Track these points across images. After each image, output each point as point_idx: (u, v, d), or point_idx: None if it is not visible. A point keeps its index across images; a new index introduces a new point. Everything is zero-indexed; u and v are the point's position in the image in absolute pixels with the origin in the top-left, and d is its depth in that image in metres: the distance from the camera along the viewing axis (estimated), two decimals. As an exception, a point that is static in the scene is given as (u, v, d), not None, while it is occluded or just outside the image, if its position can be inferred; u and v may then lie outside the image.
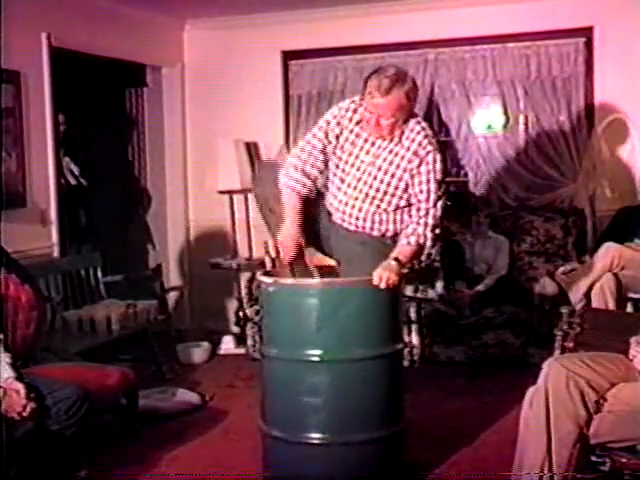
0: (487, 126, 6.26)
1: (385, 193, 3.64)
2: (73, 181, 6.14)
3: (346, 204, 3.71)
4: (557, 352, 3.74)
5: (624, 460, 2.96)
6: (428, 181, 3.58)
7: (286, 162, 3.78)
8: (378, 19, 6.18)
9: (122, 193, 7.05)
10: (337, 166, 3.71)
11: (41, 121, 5.32)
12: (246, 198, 6.66)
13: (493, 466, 3.67)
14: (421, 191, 3.59)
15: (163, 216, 6.92)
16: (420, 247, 3.63)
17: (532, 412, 3.03)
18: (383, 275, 3.44)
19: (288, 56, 6.55)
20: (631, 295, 4.93)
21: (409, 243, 3.61)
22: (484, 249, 5.88)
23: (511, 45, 6.02)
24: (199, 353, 6.03)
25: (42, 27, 5.28)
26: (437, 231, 3.64)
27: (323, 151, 3.70)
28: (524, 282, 5.80)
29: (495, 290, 5.68)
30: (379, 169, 3.63)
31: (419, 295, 5.56)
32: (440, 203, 3.62)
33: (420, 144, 3.58)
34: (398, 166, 3.61)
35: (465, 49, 6.12)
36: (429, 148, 3.58)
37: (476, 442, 4.16)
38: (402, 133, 3.60)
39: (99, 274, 5.58)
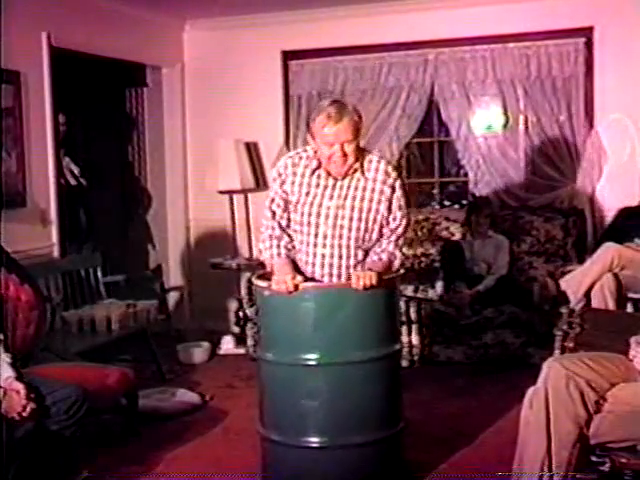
0: (487, 126, 6.26)
1: (366, 230, 3.58)
2: (73, 181, 6.13)
3: (331, 256, 3.58)
4: (557, 352, 3.73)
5: (624, 460, 2.95)
6: (399, 207, 3.61)
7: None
8: (378, 19, 6.19)
9: (122, 193, 7.05)
10: (303, 223, 3.60)
11: (41, 121, 5.32)
12: (246, 198, 6.67)
13: (493, 466, 3.66)
14: (394, 219, 3.61)
15: (163, 216, 6.92)
16: (390, 263, 3.62)
17: (532, 412, 3.03)
18: (360, 275, 3.40)
19: (288, 56, 6.56)
20: (631, 295, 4.92)
21: (380, 259, 3.59)
22: (483, 249, 5.88)
23: (511, 45, 6.03)
24: (199, 353, 6.03)
25: (42, 27, 5.28)
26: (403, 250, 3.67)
27: (281, 221, 3.64)
28: (524, 282, 5.80)
29: (495, 290, 5.67)
30: (352, 209, 3.56)
31: (419, 295, 5.56)
32: (407, 223, 3.65)
33: (387, 173, 3.59)
34: (372, 199, 3.57)
35: (465, 49, 6.12)
36: (394, 175, 3.61)
37: (476, 442, 4.16)
38: (361, 167, 3.57)
39: (99, 274, 5.58)
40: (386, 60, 6.32)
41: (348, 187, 3.57)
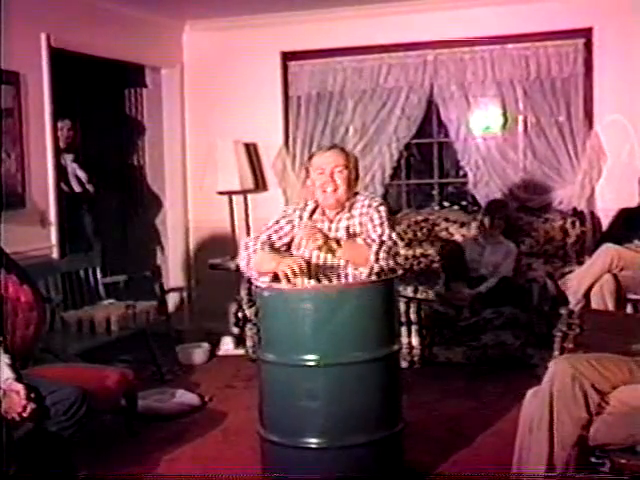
0: (486, 127, 6.26)
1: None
2: (78, 188, 6.10)
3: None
4: (556, 353, 3.74)
5: (624, 461, 2.95)
6: (374, 228, 3.65)
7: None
8: (377, 20, 6.19)
9: (122, 194, 7.04)
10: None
11: (40, 122, 5.32)
12: (245, 199, 6.66)
13: (492, 467, 3.66)
14: (373, 239, 3.63)
15: (163, 217, 6.92)
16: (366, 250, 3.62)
17: (535, 411, 3.02)
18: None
19: (287, 57, 6.56)
20: (630, 296, 4.93)
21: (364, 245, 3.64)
22: (493, 254, 5.83)
23: (510, 46, 6.03)
24: (199, 354, 6.03)
25: (42, 27, 5.28)
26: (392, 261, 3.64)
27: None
28: (523, 283, 5.79)
29: (494, 291, 5.67)
30: None
31: (419, 296, 5.55)
32: (394, 235, 3.67)
33: (370, 205, 3.72)
34: (360, 233, 3.70)
35: (464, 50, 6.12)
36: (375, 204, 3.73)
37: (475, 443, 4.17)
38: (352, 207, 3.73)
39: (99, 275, 5.58)
40: (385, 61, 6.32)
41: (340, 228, 3.74)
